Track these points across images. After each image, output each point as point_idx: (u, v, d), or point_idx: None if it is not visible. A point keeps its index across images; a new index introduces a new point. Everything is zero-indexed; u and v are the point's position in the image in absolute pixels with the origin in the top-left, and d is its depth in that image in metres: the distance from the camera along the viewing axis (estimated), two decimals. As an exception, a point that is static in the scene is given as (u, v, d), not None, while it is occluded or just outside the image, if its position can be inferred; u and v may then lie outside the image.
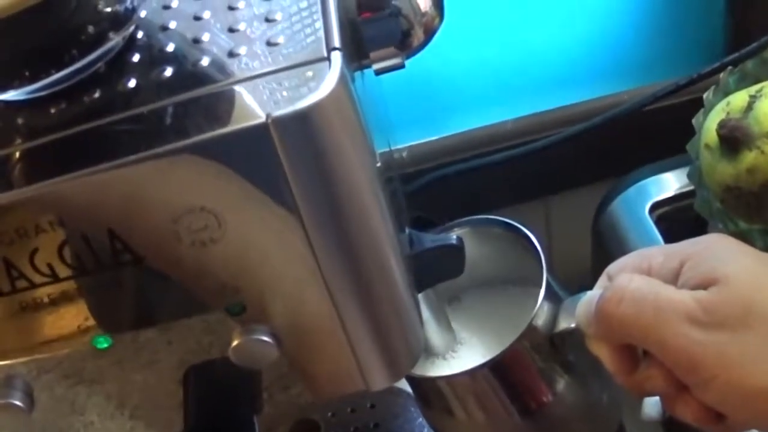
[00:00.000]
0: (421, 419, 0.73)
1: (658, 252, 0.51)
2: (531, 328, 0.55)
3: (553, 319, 0.56)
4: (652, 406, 0.59)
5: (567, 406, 0.58)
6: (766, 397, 0.45)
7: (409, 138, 0.93)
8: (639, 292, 0.47)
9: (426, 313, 0.58)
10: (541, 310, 0.56)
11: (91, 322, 0.45)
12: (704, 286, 0.47)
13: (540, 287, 0.57)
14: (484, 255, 0.64)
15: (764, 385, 0.45)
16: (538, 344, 0.56)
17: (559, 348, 0.57)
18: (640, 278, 0.48)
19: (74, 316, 0.44)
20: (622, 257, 0.52)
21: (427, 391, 0.61)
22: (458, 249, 0.53)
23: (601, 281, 0.52)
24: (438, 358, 0.61)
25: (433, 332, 0.60)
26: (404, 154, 0.92)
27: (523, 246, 0.61)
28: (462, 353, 0.61)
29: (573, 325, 0.53)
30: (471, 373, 0.56)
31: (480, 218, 0.64)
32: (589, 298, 0.51)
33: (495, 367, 0.56)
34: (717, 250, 0.48)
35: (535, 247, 0.59)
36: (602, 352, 0.50)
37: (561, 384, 0.58)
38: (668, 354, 0.47)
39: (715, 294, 0.46)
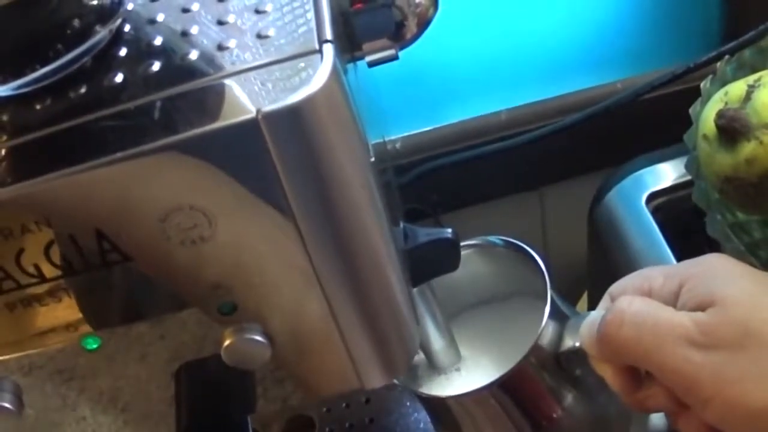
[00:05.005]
0: (416, 414, 0.73)
1: (658, 273, 0.52)
2: (537, 347, 0.56)
3: (559, 337, 0.57)
4: (659, 418, 0.60)
5: (576, 420, 0.59)
6: (763, 417, 0.45)
7: (403, 129, 0.93)
8: (639, 315, 0.49)
9: (431, 331, 0.59)
10: (545, 329, 0.56)
11: (81, 319, 0.44)
12: (702, 307, 0.48)
13: (541, 299, 0.57)
14: (487, 273, 0.65)
15: (761, 405, 0.45)
16: (544, 362, 0.57)
17: (565, 365, 0.57)
18: (640, 301, 0.50)
19: (63, 312, 0.44)
20: (624, 278, 0.53)
21: (437, 410, 0.62)
22: (453, 243, 0.53)
23: (604, 302, 0.53)
24: (443, 376, 0.62)
25: (439, 349, 0.60)
26: (397, 145, 0.92)
27: (526, 263, 0.61)
28: (467, 370, 0.62)
29: (578, 344, 0.54)
30: (479, 391, 0.57)
31: (482, 239, 0.64)
32: (592, 319, 0.52)
33: (503, 385, 0.57)
34: (715, 272, 0.49)
35: (539, 266, 0.60)
36: (606, 372, 0.52)
37: (569, 399, 0.59)
38: (668, 375, 0.48)
39: (712, 316, 0.47)
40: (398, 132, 0.92)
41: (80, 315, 0.44)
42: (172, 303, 0.44)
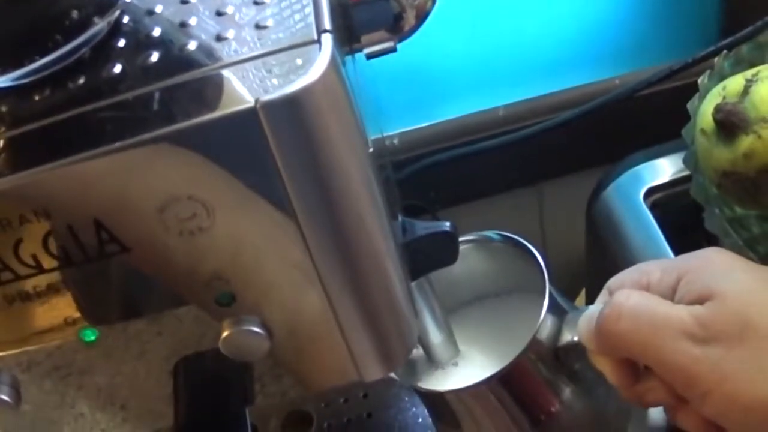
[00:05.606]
0: (414, 409, 0.73)
1: (656, 267, 0.52)
2: (535, 342, 0.56)
3: (557, 331, 0.57)
4: (658, 412, 0.60)
5: (574, 414, 0.59)
6: (761, 411, 0.45)
7: (401, 124, 0.93)
8: (637, 308, 0.49)
9: (430, 325, 0.59)
10: (544, 324, 0.56)
11: (79, 314, 0.44)
12: (700, 301, 0.47)
13: (540, 295, 0.57)
14: (485, 269, 0.65)
15: (760, 399, 0.45)
16: (542, 356, 0.57)
17: (564, 360, 0.57)
18: (638, 294, 0.50)
19: (61, 308, 0.44)
20: (622, 272, 0.53)
21: (436, 405, 0.61)
22: (451, 236, 0.53)
23: (602, 296, 0.53)
24: (441, 370, 0.62)
25: (437, 343, 0.60)
26: (395, 140, 0.92)
27: (524, 259, 0.61)
28: (465, 365, 0.62)
29: (576, 338, 0.54)
30: (477, 386, 0.56)
31: (480, 234, 0.64)
32: (590, 313, 0.52)
33: (501, 379, 0.56)
34: (713, 266, 0.49)
35: (538, 261, 0.60)
36: (604, 366, 0.52)
37: (567, 393, 0.58)
38: (666, 369, 0.48)
39: (710, 309, 0.47)
40: (396, 128, 0.92)
41: (77, 314, 0.44)
42: (170, 300, 0.44)
